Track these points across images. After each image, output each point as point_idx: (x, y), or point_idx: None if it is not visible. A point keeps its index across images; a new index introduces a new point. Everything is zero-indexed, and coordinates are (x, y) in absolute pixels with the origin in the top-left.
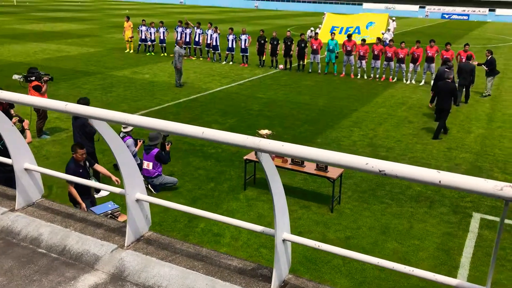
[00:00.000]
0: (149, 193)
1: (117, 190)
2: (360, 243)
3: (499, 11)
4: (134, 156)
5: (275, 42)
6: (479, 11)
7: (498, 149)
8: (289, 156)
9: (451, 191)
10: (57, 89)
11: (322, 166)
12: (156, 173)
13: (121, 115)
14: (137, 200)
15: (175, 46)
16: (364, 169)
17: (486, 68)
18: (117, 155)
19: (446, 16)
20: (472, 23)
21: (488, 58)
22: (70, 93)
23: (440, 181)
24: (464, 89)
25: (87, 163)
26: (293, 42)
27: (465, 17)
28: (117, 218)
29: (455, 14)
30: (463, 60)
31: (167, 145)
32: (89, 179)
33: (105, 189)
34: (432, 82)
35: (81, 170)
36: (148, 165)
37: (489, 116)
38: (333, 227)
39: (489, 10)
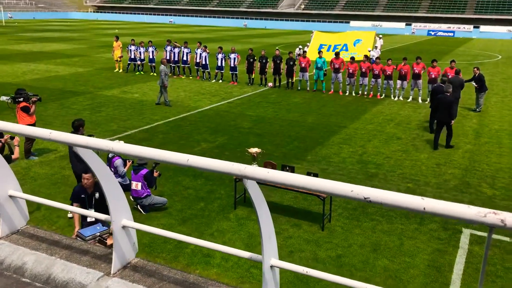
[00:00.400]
0: (139, 214)
1: (103, 216)
2: (351, 261)
3: (483, 28)
4: (123, 176)
5: (264, 61)
6: (464, 28)
7: (486, 165)
8: (275, 183)
9: None
10: (45, 110)
11: None
12: (145, 194)
13: (106, 143)
14: (124, 227)
15: (161, 65)
16: (349, 196)
17: (476, 85)
18: (103, 182)
19: (432, 33)
20: (457, 40)
21: (476, 75)
22: (58, 114)
23: (424, 208)
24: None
25: (96, 194)
26: (282, 60)
27: (451, 34)
28: (106, 240)
29: (440, 31)
30: (449, 77)
31: (156, 172)
32: (89, 208)
33: (91, 216)
34: (428, 98)
35: (82, 196)
36: (136, 185)
37: (476, 131)
38: (324, 246)
39: (474, 27)
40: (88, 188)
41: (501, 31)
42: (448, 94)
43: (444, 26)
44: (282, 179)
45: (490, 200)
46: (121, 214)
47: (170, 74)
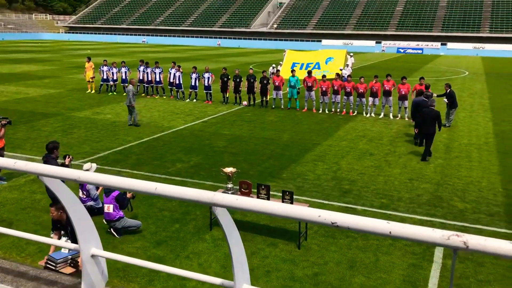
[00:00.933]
0: (112, 237)
1: (71, 246)
2: (328, 279)
3: (450, 45)
4: (96, 199)
5: (238, 79)
6: (432, 45)
7: (457, 178)
8: (244, 210)
9: (415, 221)
10: (15, 132)
11: (288, 202)
12: (118, 216)
13: (73, 173)
14: (93, 256)
15: (128, 85)
16: (317, 221)
17: (447, 101)
18: (70, 211)
19: (402, 51)
20: (426, 57)
21: (448, 91)
22: (29, 136)
23: (390, 232)
24: None
25: (69, 228)
26: (256, 79)
27: (419, 51)
28: (78, 262)
29: (409, 48)
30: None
31: (129, 193)
32: (66, 236)
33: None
34: (406, 114)
35: (58, 225)
36: (108, 208)
37: (447, 146)
38: (300, 264)
39: (441, 44)
40: (59, 219)
41: (467, 48)
42: (434, 107)
43: (413, 44)
44: (251, 206)
45: (462, 213)
46: (90, 242)
47: (143, 94)
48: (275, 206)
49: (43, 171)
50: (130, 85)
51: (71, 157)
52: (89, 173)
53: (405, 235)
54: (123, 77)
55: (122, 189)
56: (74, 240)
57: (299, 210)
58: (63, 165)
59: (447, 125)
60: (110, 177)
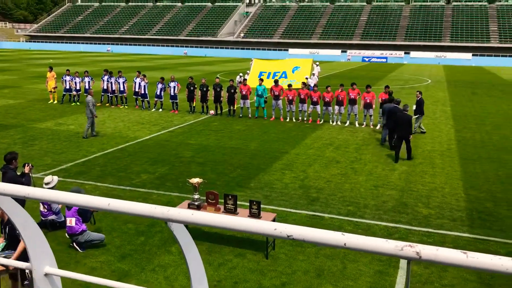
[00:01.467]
0: (75, 252)
1: (22, 264)
2: None
3: (413, 54)
4: (58, 213)
5: (204, 89)
6: (396, 54)
7: (421, 185)
8: (200, 225)
9: (380, 228)
10: None
11: (255, 212)
12: (81, 230)
13: (22, 189)
14: (46, 275)
15: (88, 96)
16: (273, 234)
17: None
18: (20, 228)
19: (367, 59)
20: (390, 65)
21: (418, 98)
22: None
23: (345, 244)
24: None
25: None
26: (222, 88)
27: (384, 60)
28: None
29: (374, 57)
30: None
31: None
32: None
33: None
34: (371, 121)
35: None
36: (70, 221)
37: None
38: (268, 274)
39: (405, 53)
40: (2, 217)
41: (429, 56)
42: (407, 112)
43: (377, 53)
44: (207, 221)
45: (426, 219)
46: (43, 260)
47: (108, 104)
48: (231, 221)
49: None
50: (89, 96)
51: (30, 165)
52: (39, 190)
53: (360, 246)
54: (86, 86)
55: (74, 205)
56: (11, 240)
57: (255, 224)
58: (23, 174)
59: (414, 131)
60: (61, 194)
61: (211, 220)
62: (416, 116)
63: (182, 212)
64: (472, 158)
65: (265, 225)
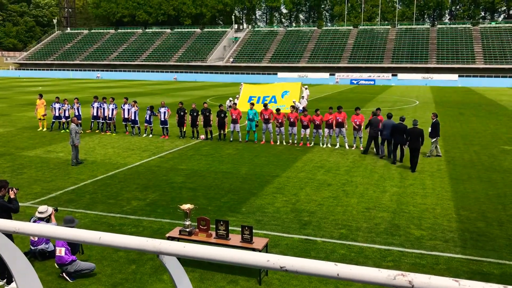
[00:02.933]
0: (65, 282)
1: None
2: None
3: (400, 76)
4: (47, 242)
5: (194, 114)
6: (384, 76)
7: (412, 206)
8: (191, 258)
9: (373, 251)
10: None
11: (247, 237)
12: (70, 259)
13: (11, 224)
14: None
15: (71, 124)
16: (266, 266)
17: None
18: (10, 262)
19: (355, 82)
20: (378, 87)
21: (434, 120)
22: None
23: (338, 274)
24: (383, 143)
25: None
26: (211, 112)
27: (372, 82)
28: None
29: (362, 79)
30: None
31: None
32: None
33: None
34: (361, 143)
35: None
36: (60, 251)
37: (401, 174)
38: None
39: (392, 75)
40: None
41: (416, 78)
42: (417, 126)
43: (365, 75)
44: (199, 254)
45: (418, 241)
46: None
47: (97, 131)
48: (223, 253)
49: None
50: (73, 124)
51: (14, 189)
52: (28, 225)
53: (352, 276)
54: (76, 113)
55: (65, 240)
56: None
57: (248, 256)
58: (9, 200)
59: (428, 154)
60: (51, 228)
61: (203, 253)
62: (434, 139)
63: (173, 245)
64: (462, 178)
65: (258, 257)
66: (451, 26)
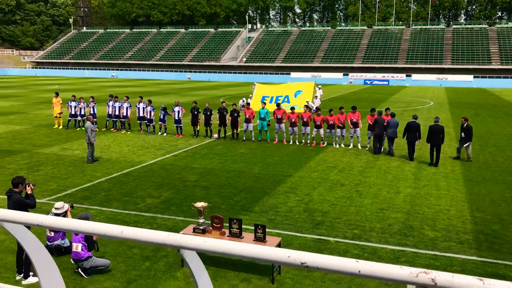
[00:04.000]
0: (80, 278)
1: None
2: None
3: (415, 76)
4: (63, 238)
5: (208, 113)
6: (398, 76)
7: (426, 207)
8: (212, 252)
9: (387, 252)
10: None
11: (260, 236)
12: (86, 255)
13: (35, 217)
14: None
15: (87, 122)
16: (286, 262)
17: (463, 135)
18: (33, 257)
19: (368, 82)
20: (392, 88)
21: (465, 125)
22: None
23: (359, 271)
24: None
25: None
26: (227, 111)
27: (386, 83)
28: None
29: (376, 80)
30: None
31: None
32: None
33: None
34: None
35: None
36: (76, 247)
37: (415, 175)
38: None
39: (406, 76)
40: None
41: (431, 78)
42: (438, 123)
43: (379, 76)
44: (220, 248)
45: (432, 242)
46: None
47: (112, 129)
48: (244, 248)
49: (4, 216)
50: (88, 122)
51: (31, 185)
52: (51, 218)
53: (374, 273)
54: (91, 112)
55: (87, 233)
56: None
57: (268, 252)
58: (27, 195)
59: (469, 159)
60: (74, 222)
61: (224, 247)
62: (467, 144)
63: (194, 240)
64: (476, 179)
65: (278, 253)
66: (467, 26)
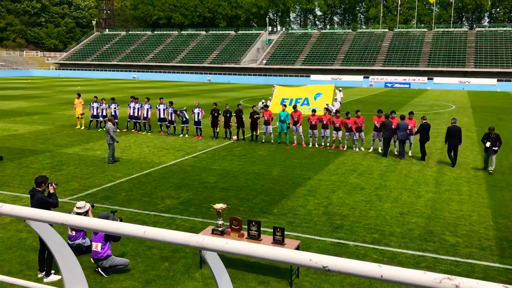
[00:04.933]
0: (100, 277)
1: None
2: None
3: (436, 80)
4: (84, 237)
5: (228, 115)
6: (419, 79)
7: (448, 212)
8: (234, 254)
9: (407, 257)
10: (3, 170)
11: (279, 239)
12: (106, 254)
13: (60, 216)
14: None
15: (108, 122)
16: (307, 265)
17: (490, 145)
18: (57, 255)
19: (389, 85)
20: (413, 91)
21: (493, 135)
22: (16, 173)
23: (382, 276)
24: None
25: None
26: (243, 113)
27: (407, 86)
28: None
29: (397, 83)
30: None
31: (118, 220)
32: None
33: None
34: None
35: None
36: (96, 246)
37: (437, 179)
38: None
39: (428, 79)
40: None
41: (453, 82)
42: (456, 124)
43: (400, 78)
44: (241, 250)
45: (454, 248)
46: (77, 286)
47: (133, 130)
48: (266, 250)
49: (30, 214)
50: (109, 123)
51: (54, 184)
52: (76, 217)
53: (397, 278)
54: (113, 113)
55: (110, 233)
56: None
57: (290, 254)
58: (49, 194)
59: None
60: (97, 221)
61: (246, 249)
62: (494, 154)
63: (216, 241)
64: (499, 185)
65: (300, 256)
66: (491, 29)
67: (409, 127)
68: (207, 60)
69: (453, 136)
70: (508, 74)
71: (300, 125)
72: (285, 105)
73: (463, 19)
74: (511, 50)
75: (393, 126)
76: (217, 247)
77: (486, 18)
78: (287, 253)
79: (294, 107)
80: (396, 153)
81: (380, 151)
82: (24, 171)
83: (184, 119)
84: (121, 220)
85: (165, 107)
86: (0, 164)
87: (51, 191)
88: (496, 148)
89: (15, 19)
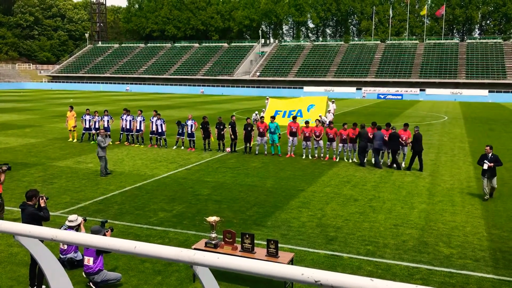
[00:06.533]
0: None
1: None
2: None
3: (428, 91)
4: (76, 251)
5: (221, 127)
6: (411, 91)
7: (441, 223)
8: (225, 269)
9: (401, 268)
10: None
11: (273, 252)
12: (98, 269)
13: (50, 232)
14: None
15: (98, 136)
16: (300, 280)
17: (489, 164)
18: (48, 272)
19: (382, 96)
20: (406, 102)
21: (490, 155)
22: (7, 187)
23: None
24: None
25: None
26: (236, 125)
27: (399, 97)
28: None
29: (389, 94)
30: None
31: (107, 232)
32: None
33: None
34: (389, 158)
35: None
36: (88, 260)
37: (430, 190)
38: None
39: (420, 90)
40: None
41: (445, 93)
42: (418, 131)
43: (392, 90)
44: (232, 265)
45: (448, 259)
46: None
47: (126, 143)
48: (258, 265)
49: (19, 230)
50: (99, 136)
51: (44, 197)
52: (65, 232)
53: None
54: (105, 125)
55: (100, 248)
56: None
57: (282, 269)
58: (39, 208)
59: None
60: (87, 236)
61: (237, 264)
62: (494, 178)
63: (207, 256)
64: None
65: (292, 270)
66: (481, 41)
67: (404, 138)
68: (200, 72)
69: (419, 143)
70: (499, 85)
71: (297, 136)
72: (273, 117)
73: (454, 31)
74: (501, 61)
75: (369, 136)
76: (209, 262)
77: (476, 30)
78: (279, 268)
79: (294, 118)
80: (389, 163)
81: (355, 160)
82: (16, 185)
83: (181, 131)
84: (112, 230)
85: (157, 120)
86: None
87: (42, 204)
88: (485, 168)
89: (8, 32)
